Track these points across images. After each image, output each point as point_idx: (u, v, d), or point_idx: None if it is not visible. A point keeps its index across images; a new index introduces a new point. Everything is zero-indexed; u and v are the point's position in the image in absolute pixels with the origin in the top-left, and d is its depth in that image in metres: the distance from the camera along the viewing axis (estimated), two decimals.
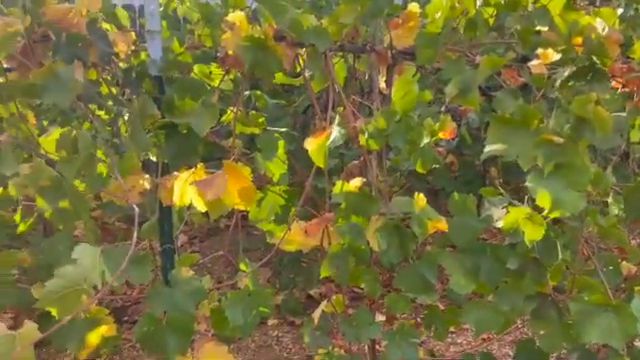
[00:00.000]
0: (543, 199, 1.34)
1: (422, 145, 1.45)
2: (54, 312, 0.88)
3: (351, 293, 3.07)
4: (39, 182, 1.31)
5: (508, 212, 1.44)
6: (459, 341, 2.74)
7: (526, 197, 1.49)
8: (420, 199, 1.52)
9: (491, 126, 1.44)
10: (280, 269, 3.08)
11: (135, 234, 1.04)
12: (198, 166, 1.41)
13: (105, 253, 0.90)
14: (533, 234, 1.38)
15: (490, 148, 1.43)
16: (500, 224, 1.45)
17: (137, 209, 1.10)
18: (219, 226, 3.93)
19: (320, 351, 1.68)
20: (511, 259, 1.46)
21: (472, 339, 2.76)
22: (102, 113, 1.59)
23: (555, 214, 1.35)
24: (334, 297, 1.86)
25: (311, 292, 3.10)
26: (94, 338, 1.54)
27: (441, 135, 1.48)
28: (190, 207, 1.93)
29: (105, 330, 1.53)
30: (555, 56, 1.56)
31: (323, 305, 1.86)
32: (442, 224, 1.52)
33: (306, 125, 3.13)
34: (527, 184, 1.36)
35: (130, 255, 1.33)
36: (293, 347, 2.77)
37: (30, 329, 0.81)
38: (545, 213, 1.34)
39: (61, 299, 0.84)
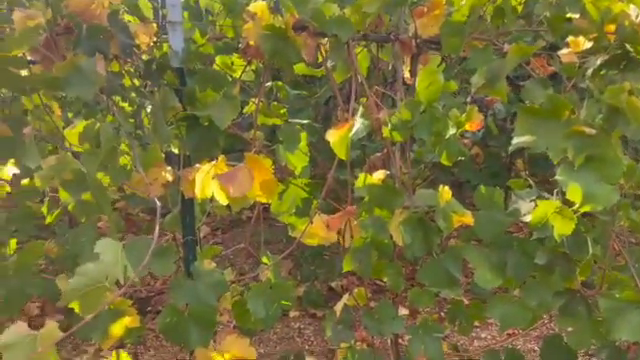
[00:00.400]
0: (574, 193, 1.29)
1: (447, 137, 1.41)
2: (77, 309, 0.88)
3: (373, 286, 3.05)
4: (63, 175, 1.32)
5: (537, 206, 1.40)
6: (483, 335, 2.70)
7: (555, 190, 1.45)
8: (445, 192, 1.49)
9: (519, 117, 1.40)
10: (301, 261, 3.08)
11: (157, 226, 1.03)
12: (219, 158, 1.40)
13: (127, 247, 0.90)
14: (563, 228, 1.34)
15: (518, 140, 1.39)
16: (528, 218, 1.41)
17: (158, 202, 1.10)
18: (241, 217, 3.95)
19: (342, 345, 1.67)
20: (539, 254, 1.42)
21: (496, 334, 2.72)
22: (125, 105, 1.60)
23: (586, 208, 1.30)
24: (356, 290, 1.85)
25: (332, 284, 3.09)
26: (118, 329, 1.55)
27: (467, 127, 1.45)
28: (212, 199, 1.94)
29: (129, 321, 1.54)
30: (586, 44, 1.50)
31: (345, 298, 1.84)
32: (468, 218, 1.48)
33: (327, 117, 3.10)
34: (557, 177, 1.32)
35: (153, 248, 1.34)
36: (315, 339, 2.77)
37: (51, 329, 0.82)
38: (576, 207, 1.30)
39: (84, 296, 0.84)
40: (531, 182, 1.92)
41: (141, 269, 0.94)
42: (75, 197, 1.22)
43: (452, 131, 1.42)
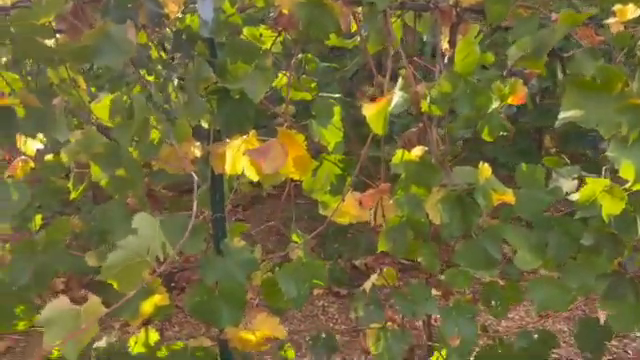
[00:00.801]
0: (627, 170, 1.22)
1: (490, 111, 1.34)
2: (115, 285, 0.84)
3: (398, 265, 3.02)
4: (92, 149, 1.28)
5: (582, 184, 1.33)
6: (511, 316, 2.65)
7: (604, 168, 1.37)
8: (485, 169, 1.42)
9: (567, 90, 1.32)
10: (325, 239, 3.04)
11: (195, 203, 0.99)
12: (250, 133, 1.35)
13: (162, 224, 0.86)
14: (612, 208, 1.28)
15: (566, 115, 1.31)
16: (575, 197, 1.34)
17: (196, 177, 1.05)
18: (262, 194, 3.92)
19: (373, 325, 1.63)
20: (586, 235, 1.35)
21: (524, 314, 2.68)
22: (151, 78, 1.55)
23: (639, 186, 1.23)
24: (385, 269, 1.81)
25: (356, 263, 3.06)
26: (148, 307, 1.53)
27: (510, 100, 1.37)
28: (240, 176, 1.89)
29: (159, 299, 1.52)
30: (636, 12, 1.41)
31: (374, 278, 1.80)
32: (509, 196, 1.42)
33: (352, 92, 3.03)
34: (608, 154, 1.24)
35: (186, 226, 1.30)
36: (339, 317, 2.75)
37: (95, 304, 0.78)
38: (629, 185, 1.23)
39: (123, 272, 0.80)
40: (566, 159, 1.84)
41: (180, 246, 0.90)
42: (108, 172, 1.18)
43: (495, 105, 1.34)
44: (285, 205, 1.86)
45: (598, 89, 1.29)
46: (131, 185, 1.22)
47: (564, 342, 2.39)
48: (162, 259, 0.83)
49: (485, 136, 1.41)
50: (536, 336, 1.78)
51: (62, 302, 0.79)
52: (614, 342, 2.37)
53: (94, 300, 0.79)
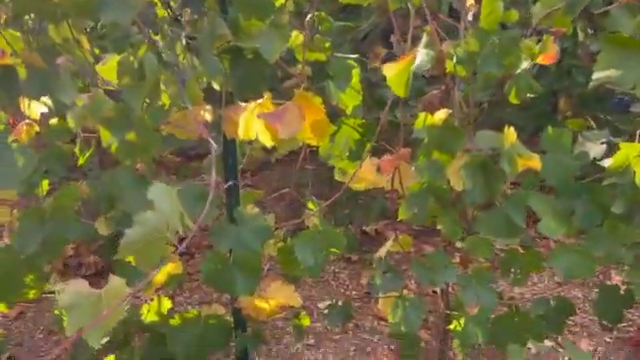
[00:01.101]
0: None
1: (519, 71, 1.27)
2: (133, 261, 0.79)
3: (409, 231, 2.98)
4: (100, 113, 1.21)
5: (616, 149, 1.27)
6: None
7: (638, 132, 1.31)
8: (510, 133, 1.36)
9: (603, 48, 1.23)
10: (335, 205, 2.99)
11: (214, 171, 0.93)
12: (265, 96, 1.28)
13: (179, 194, 0.80)
14: None
15: (600, 75, 1.23)
16: (607, 162, 1.28)
17: (213, 143, 0.99)
18: (269, 160, 3.85)
19: (390, 293, 1.60)
20: (618, 202, 1.29)
21: (537, 280, 2.65)
22: (158, 38, 1.46)
23: None
24: (401, 236, 1.76)
25: (367, 229, 3.02)
26: (161, 276, 1.50)
27: (541, 60, 1.29)
28: (252, 141, 1.83)
29: (172, 268, 1.49)
30: None
31: (389, 244, 1.76)
32: (535, 161, 1.36)
33: (364, 53, 2.92)
34: None
35: (198, 193, 1.25)
36: (350, 283, 2.73)
37: (117, 286, 0.73)
38: None
39: (143, 249, 0.75)
40: (591, 122, 1.77)
41: (202, 218, 0.85)
42: (118, 137, 1.12)
43: (525, 65, 1.26)
44: (294, 171, 1.80)
45: (637, 47, 1.21)
46: (143, 150, 1.16)
47: (578, 309, 2.37)
48: (182, 233, 0.78)
49: (512, 98, 1.34)
50: (553, 303, 1.75)
51: (81, 285, 0.74)
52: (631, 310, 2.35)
53: (116, 282, 0.74)
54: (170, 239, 0.75)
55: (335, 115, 1.39)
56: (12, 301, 1.38)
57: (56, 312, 1.65)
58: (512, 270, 1.62)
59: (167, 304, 1.64)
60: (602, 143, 1.47)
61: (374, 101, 2.39)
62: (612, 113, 2.69)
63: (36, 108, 1.71)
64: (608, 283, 2.34)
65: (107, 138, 1.15)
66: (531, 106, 3.00)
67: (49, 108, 1.76)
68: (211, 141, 0.94)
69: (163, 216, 0.73)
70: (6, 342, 2.18)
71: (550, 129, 1.44)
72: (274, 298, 1.56)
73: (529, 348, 2.07)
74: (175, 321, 1.55)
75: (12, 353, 2.33)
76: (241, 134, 1.33)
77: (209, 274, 1.41)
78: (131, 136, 1.13)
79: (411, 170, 1.47)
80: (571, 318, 2.19)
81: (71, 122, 1.33)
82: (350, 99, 1.39)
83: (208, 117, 1.43)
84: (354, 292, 2.64)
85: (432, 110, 1.39)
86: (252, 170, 3.81)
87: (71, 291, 0.73)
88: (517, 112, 2.87)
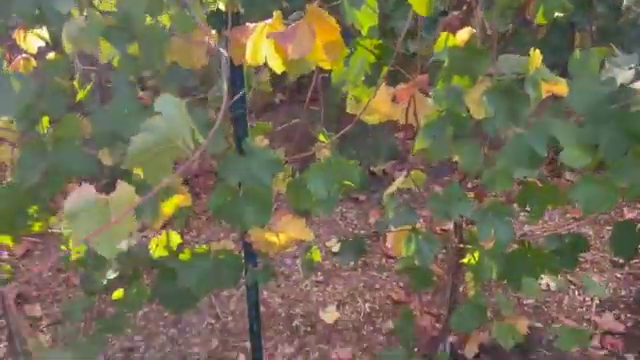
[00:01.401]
0: None
1: None
2: (140, 173, 0.73)
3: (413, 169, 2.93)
4: (97, 34, 1.12)
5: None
6: None
7: None
8: (536, 56, 1.28)
9: None
10: (343, 144, 2.93)
11: (225, 97, 0.86)
12: (275, 15, 1.19)
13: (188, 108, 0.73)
14: None
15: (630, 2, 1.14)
16: (638, 86, 1.20)
17: (224, 63, 0.91)
18: (274, 101, 3.77)
19: (404, 227, 1.56)
20: None
21: (547, 217, 2.62)
22: None
23: None
24: (413, 172, 1.71)
25: (374, 169, 2.98)
26: (169, 208, 1.46)
27: None
28: (258, 72, 1.74)
29: (180, 200, 1.44)
30: None
31: (400, 180, 1.71)
32: (561, 87, 1.28)
33: None
34: None
35: (205, 122, 1.18)
36: (358, 223, 2.71)
37: (126, 192, 0.67)
38: None
39: (152, 159, 0.68)
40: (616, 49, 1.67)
41: (211, 139, 0.78)
42: (120, 49, 1.03)
43: None
44: (299, 111, 1.74)
45: None
46: (147, 65, 1.08)
47: (589, 245, 2.35)
48: (192, 147, 0.71)
49: (540, 18, 1.24)
50: (567, 239, 1.72)
51: (87, 191, 0.68)
52: None
53: (124, 187, 0.67)
54: (182, 150, 0.69)
55: (349, 37, 1.30)
56: (18, 234, 1.34)
57: (62, 247, 1.62)
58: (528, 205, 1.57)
59: (176, 239, 1.61)
60: (630, 68, 1.38)
61: (385, 34, 2.28)
62: (633, 46, 2.58)
63: (32, 41, 1.62)
64: (620, 220, 2.31)
65: (107, 50, 1.06)
66: (547, 40, 2.88)
67: (46, 42, 1.66)
68: (222, 65, 0.86)
69: (174, 124, 0.66)
70: (14, 278, 2.18)
71: (577, 52, 1.35)
72: (284, 232, 1.52)
73: (540, 284, 2.07)
74: (185, 256, 1.52)
75: (20, 291, 2.34)
76: (249, 58, 1.24)
77: (219, 207, 1.36)
78: (133, 49, 1.04)
79: (427, 102, 1.40)
80: (582, 255, 2.18)
81: (67, 46, 1.24)
82: (366, 18, 1.29)
83: (212, 42, 1.34)
84: (362, 231, 2.62)
85: (453, 31, 1.30)
86: (256, 112, 3.73)
87: (76, 197, 0.67)
88: (533, 44, 2.76)
